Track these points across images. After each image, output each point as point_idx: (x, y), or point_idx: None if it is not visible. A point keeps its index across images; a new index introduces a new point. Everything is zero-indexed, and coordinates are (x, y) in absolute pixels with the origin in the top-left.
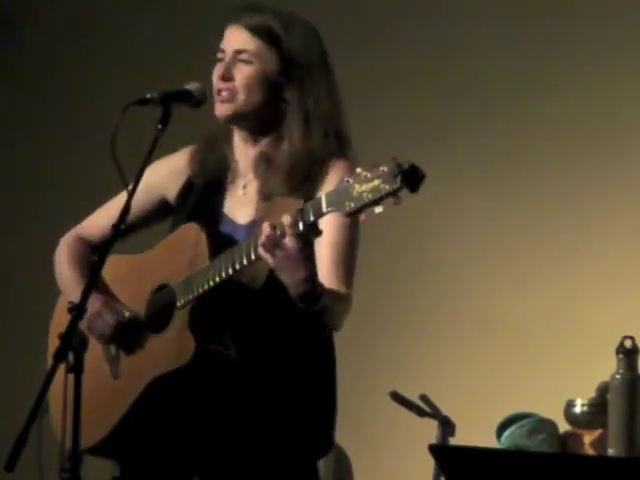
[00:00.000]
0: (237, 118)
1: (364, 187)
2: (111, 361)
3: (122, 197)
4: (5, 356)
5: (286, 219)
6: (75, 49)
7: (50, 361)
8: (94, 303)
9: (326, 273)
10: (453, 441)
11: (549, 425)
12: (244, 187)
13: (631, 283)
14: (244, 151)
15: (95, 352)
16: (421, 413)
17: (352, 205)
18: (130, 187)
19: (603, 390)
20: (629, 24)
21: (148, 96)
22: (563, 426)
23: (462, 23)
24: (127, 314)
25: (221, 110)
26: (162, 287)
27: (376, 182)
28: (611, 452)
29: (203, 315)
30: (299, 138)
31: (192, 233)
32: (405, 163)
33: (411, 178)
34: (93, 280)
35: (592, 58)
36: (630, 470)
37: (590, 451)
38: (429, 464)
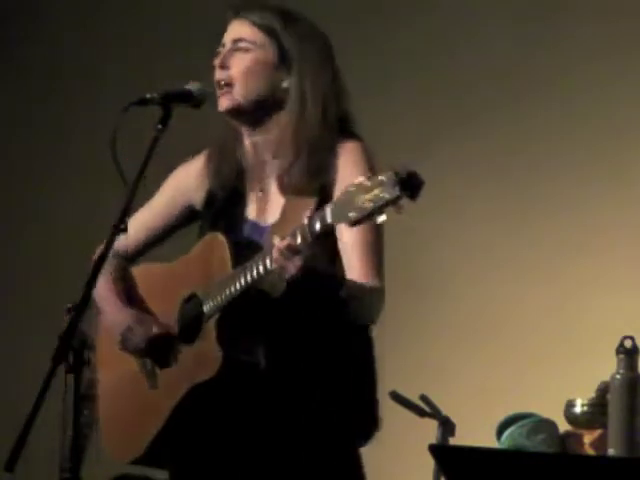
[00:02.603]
0: (237, 110)
1: (366, 196)
2: (148, 373)
3: (148, 208)
4: (5, 356)
5: (292, 239)
6: (75, 49)
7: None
8: (125, 318)
9: (353, 271)
10: (453, 441)
11: (549, 425)
12: (261, 189)
13: (631, 283)
14: (253, 152)
15: (132, 364)
16: (421, 413)
17: (355, 215)
18: (130, 187)
19: (603, 390)
20: (630, 23)
21: (148, 96)
22: (563, 426)
23: (462, 22)
24: (155, 329)
25: (221, 103)
26: (191, 297)
27: (376, 191)
28: (611, 452)
29: (230, 324)
30: (297, 128)
31: (214, 242)
32: (403, 171)
33: (410, 186)
34: (93, 280)
35: (593, 57)
36: (630, 470)
37: (590, 451)
38: (429, 464)
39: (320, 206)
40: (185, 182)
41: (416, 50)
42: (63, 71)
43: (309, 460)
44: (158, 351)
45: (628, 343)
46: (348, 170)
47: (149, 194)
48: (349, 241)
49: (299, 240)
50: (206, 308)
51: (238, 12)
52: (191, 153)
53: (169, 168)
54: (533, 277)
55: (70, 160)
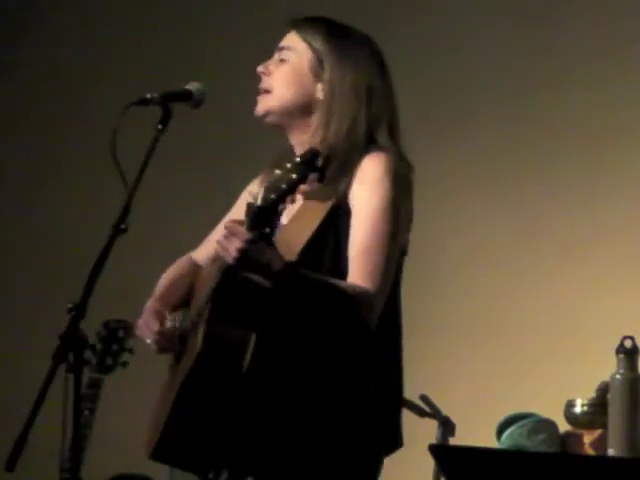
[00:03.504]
0: (272, 116)
1: (284, 178)
2: (172, 371)
3: (222, 222)
4: (5, 356)
5: (233, 224)
6: (75, 49)
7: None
8: (145, 314)
9: (350, 269)
10: (453, 441)
11: (549, 425)
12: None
13: (631, 283)
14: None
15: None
16: (421, 413)
17: (274, 196)
18: (130, 187)
19: (603, 390)
20: (629, 23)
21: (148, 96)
22: (563, 426)
23: (461, 21)
24: (168, 322)
25: (257, 109)
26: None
27: (290, 174)
28: (611, 452)
29: (216, 319)
30: (321, 138)
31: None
32: (309, 152)
33: (313, 165)
34: (93, 280)
35: (592, 56)
36: (630, 470)
37: (590, 451)
38: (429, 464)
39: (334, 210)
40: (249, 196)
41: (415, 50)
42: (63, 71)
43: (312, 466)
44: (172, 345)
45: (628, 343)
46: (362, 177)
47: (149, 194)
48: (356, 237)
49: (241, 225)
50: (205, 303)
51: (291, 24)
52: (191, 153)
53: (169, 168)
54: (533, 277)
55: (70, 160)
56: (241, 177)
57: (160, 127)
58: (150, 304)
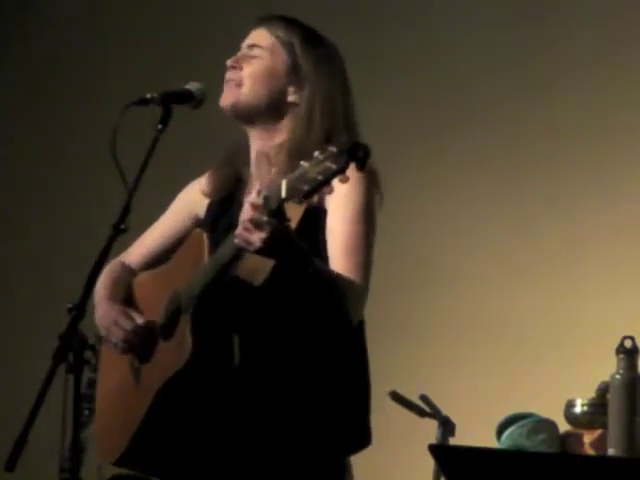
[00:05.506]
0: (239, 109)
1: (317, 169)
2: (135, 373)
3: (158, 223)
4: (5, 356)
5: (248, 212)
6: (75, 49)
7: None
8: (110, 313)
9: (337, 265)
10: (453, 441)
11: (549, 425)
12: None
13: (631, 283)
14: (256, 159)
15: (124, 366)
16: (421, 413)
17: (306, 188)
18: (130, 186)
19: (603, 390)
20: (629, 23)
21: (148, 96)
22: (563, 426)
23: (461, 21)
24: (140, 320)
25: (224, 99)
26: (174, 294)
27: (327, 163)
28: (611, 452)
29: (204, 317)
30: (298, 141)
31: (196, 238)
32: (349, 142)
33: (356, 156)
34: (93, 280)
35: (592, 57)
36: (630, 470)
37: (590, 451)
38: (429, 464)
39: (308, 217)
40: (192, 195)
41: (416, 50)
42: (63, 71)
43: (285, 465)
44: (139, 345)
45: (628, 343)
46: (342, 190)
47: (149, 194)
48: (337, 236)
49: (264, 216)
50: (183, 302)
51: (262, 22)
52: (191, 153)
53: (169, 168)
54: (533, 277)
55: (70, 160)
56: None
57: (160, 127)
58: (109, 305)
